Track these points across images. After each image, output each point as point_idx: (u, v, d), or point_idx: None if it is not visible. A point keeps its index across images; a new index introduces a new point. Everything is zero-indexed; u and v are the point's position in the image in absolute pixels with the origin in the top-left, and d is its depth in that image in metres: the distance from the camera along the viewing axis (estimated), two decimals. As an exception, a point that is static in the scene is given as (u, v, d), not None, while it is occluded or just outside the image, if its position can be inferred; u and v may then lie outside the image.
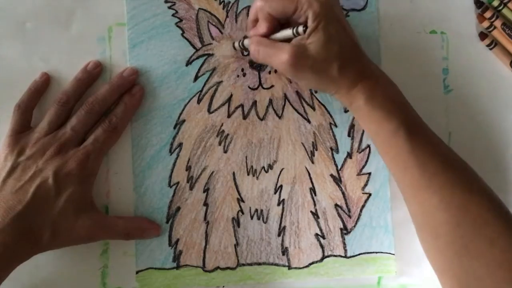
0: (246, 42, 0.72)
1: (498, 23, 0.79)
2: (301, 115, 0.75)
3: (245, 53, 0.74)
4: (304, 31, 0.64)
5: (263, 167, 0.74)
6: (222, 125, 0.74)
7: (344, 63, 0.66)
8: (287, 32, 0.66)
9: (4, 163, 0.67)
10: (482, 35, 0.80)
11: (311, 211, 0.74)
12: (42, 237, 0.65)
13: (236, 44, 0.73)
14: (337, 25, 0.66)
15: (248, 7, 0.74)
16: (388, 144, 0.67)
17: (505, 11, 0.79)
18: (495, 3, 0.79)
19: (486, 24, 0.79)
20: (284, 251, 0.74)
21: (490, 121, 0.79)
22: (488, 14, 0.79)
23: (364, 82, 0.67)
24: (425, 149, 0.66)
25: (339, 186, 0.75)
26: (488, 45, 0.79)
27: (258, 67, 0.74)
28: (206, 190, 0.73)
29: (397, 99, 0.69)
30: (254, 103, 0.74)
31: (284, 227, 0.74)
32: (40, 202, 0.65)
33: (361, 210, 0.75)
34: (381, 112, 0.67)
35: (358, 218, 0.75)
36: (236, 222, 0.73)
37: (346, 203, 0.75)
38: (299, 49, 0.65)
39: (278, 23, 0.68)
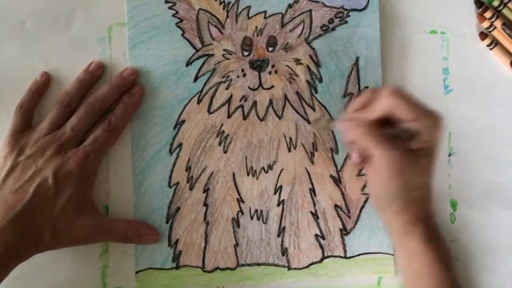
0: (334, 124, 0.72)
1: (498, 23, 0.79)
2: (301, 115, 0.75)
3: (245, 53, 0.74)
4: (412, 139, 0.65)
5: (263, 168, 0.74)
6: (222, 125, 0.74)
7: (423, 196, 0.67)
8: (393, 132, 0.65)
9: (3, 163, 0.67)
10: (482, 35, 0.80)
11: (310, 212, 0.74)
12: (42, 237, 0.65)
13: (315, 116, 0.74)
14: (432, 164, 0.67)
15: (249, 7, 0.74)
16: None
17: (505, 11, 0.79)
18: (495, 3, 0.79)
19: (486, 24, 0.79)
20: (284, 252, 0.74)
21: (490, 121, 0.79)
22: (488, 14, 0.79)
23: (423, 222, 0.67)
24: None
25: (338, 186, 0.75)
26: (488, 45, 0.79)
27: (258, 67, 0.74)
28: (206, 191, 0.73)
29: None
30: (254, 103, 0.74)
31: (284, 228, 0.74)
32: (40, 201, 0.65)
33: (360, 211, 0.75)
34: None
35: (358, 219, 0.75)
36: (236, 222, 0.74)
37: (346, 204, 0.75)
38: (408, 156, 0.65)
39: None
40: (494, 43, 0.79)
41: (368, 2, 0.76)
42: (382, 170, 0.65)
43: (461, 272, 0.77)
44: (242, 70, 0.74)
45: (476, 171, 0.79)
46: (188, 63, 0.74)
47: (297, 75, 0.75)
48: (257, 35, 0.74)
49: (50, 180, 0.65)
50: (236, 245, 0.73)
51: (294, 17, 0.75)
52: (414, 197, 0.66)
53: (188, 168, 0.73)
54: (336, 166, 0.75)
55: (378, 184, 0.67)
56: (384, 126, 0.66)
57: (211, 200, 0.73)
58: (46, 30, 0.73)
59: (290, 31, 0.75)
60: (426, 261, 0.66)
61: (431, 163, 0.66)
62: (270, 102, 0.74)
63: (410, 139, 0.65)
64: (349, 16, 0.76)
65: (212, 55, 0.74)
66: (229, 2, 0.74)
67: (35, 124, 0.71)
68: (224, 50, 0.74)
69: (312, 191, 0.75)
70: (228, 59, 0.74)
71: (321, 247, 0.75)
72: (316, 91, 0.75)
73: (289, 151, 0.75)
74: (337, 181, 0.75)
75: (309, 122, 0.75)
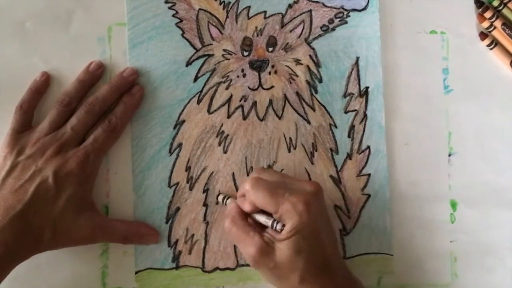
0: (228, 201, 0.72)
1: (498, 23, 0.79)
2: (301, 116, 0.75)
3: (245, 53, 0.74)
4: (281, 230, 0.64)
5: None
6: (222, 125, 0.74)
7: (306, 277, 0.64)
8: (266, 222, 0.66)
9: (3, 162, 0.67)
10: (482, 35, 0.80)
11: (310, 212, 0.74)
12: (42, 237, 0.65)
13: (220, 198, 0.73)
14: (312, 241, 0.64)
15: (249, 8, 0.74)
16: None
17: (505, 11, 0.79)
18: (495, 3, 0.79)
19: (486, 24, 0.79)
20: (284, 252, 0.74)
21: (490, 121, 0.79)
22: (488, 14, 0.79)
23: None
24: None
25: (338, 187, 0.75)
26: (488, 45, 0.79)
27: (258, 67, 0.74)
28: (205, 191, 0.73)
29: None
30: (254, 103, 0.74)
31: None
32: (40, 201, 0.65)
33: (360, 211, 0.75)
34: None
35: (358, 219, 0.75)
36: (235, 222, 0.74)
37: (346, 204, 0.75)
38: (266, 248, 0.64)
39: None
40: (494, 43, 0.79)
41: (368, 2, 0.76)
42: (248, 260, 0.66)
43: (461, 272, 0.77)
44: (242, 70, 0.74)
45: (476, 171, 0.79)
46: (188, 63, 0.74)
47: (297, 75, 0.75)
48: (257, 35, 0.74)
49: (50, 180, 0.65)
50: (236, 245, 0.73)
51: (294, 17, 0.75)
52: (310, 274, 0.65)
53: (188, 168, 0.73)
54: (336, 166, 0.75)
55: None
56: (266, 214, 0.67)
57: (211, 200, 0.73)
58: (46, 30, 0.73)
59: (290, 31, 0.75)
60: None
61: (299, 250, 0.64)
62: (270, 102, 0.74)
63: (277, 229, 0.65)
64: (349, 16, 0.76)
65: (212, 55, 0.74)
66: (229, 2, 0.74)
67: (35, 124, 0.70)
68: (224, 50, 0.74)
69: (312, 191, 0.75)
70: (228, 59, 0.74)
71: (321, 247, 0.74)
72: (316, 91, 0.75)
73: (289, 151, 0.75)
74: (337, 181, 0.75)
75: (309, 122, 0.75)
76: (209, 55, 0.74)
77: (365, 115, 0.76)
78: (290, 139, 0.75)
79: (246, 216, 0.68)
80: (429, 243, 0.77)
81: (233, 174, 0.74)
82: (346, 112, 0.76)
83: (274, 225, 0.65)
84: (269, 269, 0.64)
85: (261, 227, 0.67)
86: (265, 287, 0.73)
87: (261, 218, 0.67)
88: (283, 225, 0.64)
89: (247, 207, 0.67)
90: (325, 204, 0.69)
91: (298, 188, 0.66)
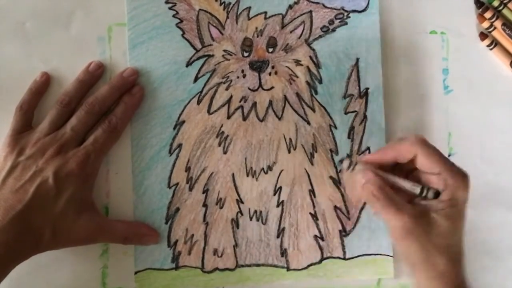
0: (358, 167, 0.65)
1: (498, 24, 0.79)
2: (301, 116, 0.75)
3: (245, 54, 0.74)
4: (434, 198, 0.61)
5: (263, 169, 0.74)
6: (221, 126, 0.74)
7: (452, 259, 0.61)
8: (413, 188, 0.62)
9: (4, 163, 0.67)
10: (482, 35, 0.79)
11: (310, 213, 0.75)
12: (42, 237, 0.65)
13: (345, 164, 0.67)
14: (462, 221, 0.62)
15: (249, 8, 0.74)
16: None
17: (505, 11, 0.79)
18: (495, 3, 0.79)
19: (486, 24, 0.79)
20: (283, 253, 0.74)
21: (490, 121, 0.79)
22: (488, 14, 0.78)
23: None
24: None
25: (338, 188, 0.75)
26: (488, 45, 0.79)
27: (258, 68, 0.74)
28: (205, 191, 0.73)
29: None
30: (254, 104, 0.74)
31: (283, 229, 0.74)
32: (40, 201, 0.65)
33: (360, 212, 0.75)
34: None
35: (357, 220, 0.75)
36: (235, 223, 0.74)
37: (345, 205, 0.75)
38: (423, 218, 0.60)
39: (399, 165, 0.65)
40: (494, 43, 0.79)
41: (368, 3, 0.76)
42: (394, 234, 0.61)
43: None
44: (242, 71, 0.74)
45: (476, 171, 0.78)
46: (188, 64, 0.74)
47: (297, 76, 0.75)
48: (257, 36, 0.74)
49: (51, 180, 0.65)
50: (236, 245, 0.74)
51: (294, 18, 0.75)
52: (440, 262, 0.60)
53: (187, 169, 0.73)
54: (335, 167, 0.75)
55: (397, 245, 0.64)
56: (402, 175, 0.64)
57: (211, 200, 0.73)
58: (46, 30, 0.73)
59: (290, 32, 0.75)
60: None
61: (455, 226, 0.61)
62: (270, 103, 0.74)
63: (428, 196, 0.61)
64: (349, 17, 0.76)
65: (212, 55, 0.74)
66: (230, 3, 0.74)
67: (35, 124, 0.71)
68: (224, 51, 0.74)
69: (312, 192, 0.75)
70: (228, 59, 0.74)
71: (320, 248, 0.75)
72: (316, 92, 0.75)
73: (289, 152, 0.75)
74: (337, 182, 0.75)
75: (309, 123, 0.75)
76: (209, 56, 0.74)
77: (365, 116, 0.76)
78: (290, 140, 0.75)
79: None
80: (428, 243, 0.77)
81: (233, 174, 0.74)
82: (346, 113, 0.76)
83: (425, 191, 0.61)
84: (420, 244, 0.60)
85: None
86: (265, 287, 0.74)
87: (405, 184, 0.62)
88: (437, 192, 0.61)
89: (406, 153, 0.63)
90: None
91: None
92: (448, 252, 0.61)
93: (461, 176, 0.62)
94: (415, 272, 0.62)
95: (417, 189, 0.62)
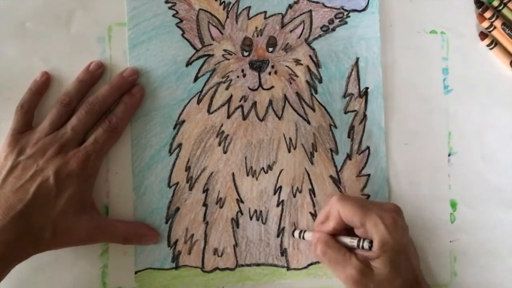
0: (307, 235, 0.72)
1: (498, 23, 0.79)
2: (301, 116, 0.75)
3: (245, 53, 0.74)
4: (370, 248, 0.65)
5: (263, 168, 0.74)
6: (221, 125, 0.74)
7: None
8: (352, 242, 0.67)
9: (4, 162, 0.67)
10: (482, 35, 0.79)
11: (310, 212, 0.74)
12: (42, 236, 0.65)
13: (296, 234, 0.74)
14: (403, 257, 0.66)
15: (249, 8, 0.74)
16: None
17: (505, 11, 0.79)
18: (495, 3, 0.79)
19: (486, 24, 0.79)
20: (283, 252, 0.74)
21: (490, 121, 0.79)
22: (488, 14, 0.78)
23: None
24: None
25: (338, 187, 0.75)
26: (488, 45, 0.79)
27: (258, 68, 0.74)
28: (205, 191, 0.73)
29: None
30: (254, 104, 0.74)
31: (283, 228, 0.74)
32: (41, 201, 0.65)
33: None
34: None
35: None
36: (235, 222, 0.74)
37: (345, 205, 0.75)
38: (365, 269, 0.65)
39: (345, 226, 0.69)
40: (494, 43, 0.79)
41: (368, 2, 0.76)
42: (345, 285, 0.67)
43: (461, 272, 0.77)
44: (242, 71, 0.74)
45: (476, 171, 0.79)
46: (188, 63, 0.74)
47: (297, 76, 0.75)
48: (257, 36, 0.74)
49: (51, 180, 0.65)
50: (236, 245, 0.74)
51: (294, 18, 0.75)
52: None
53: (187, 168, 0.73)
54: (335, 166, 0.75)
55: None
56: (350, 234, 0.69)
57: (211, 200, 0.73)
58: (46, 30, 0.73)
59: (290, 31, 0.75)
60: None
61: (394, 271, 0.65)
62: (270, 102, 0.74)
63: (364, 247, 0.66)
64: (349, 16, 0.76)
65: (212, 55, 0.74)
66: (229, 3, 0.74)
67: (35, 124, 0.71)
68: (224, 50, 0.74)
69: (312, 191, 0.75)
70: (228, 59, 0.74)
71: (321, 247, 0.75)
72: (316, 92, 0.75)
73: (289, 151, 0.75)
74: (337, 181, 0.75)
75: (309, 123, 0.75)
76: (209, 55, 0.74)
77: (364, 116, 0.76)
78: (290, 139, 0.75)
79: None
80: (429, 243, 0.77)
81: (233, 174, 0.74)
82: (346, 113, 0.76)
83: (361, 243, 0.66)
84: None
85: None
86: (265, 287, 0.73)
87: (346, 240, 0.68)
88: (371, 242, 0.65)
89: (332, 225, 0.68)
90: (406, 224, 0.69)
91: (381, 205, 0.68)
92: None
93: (381, 218, 0.66)
94: None
95: (354, 243, 0.67)
